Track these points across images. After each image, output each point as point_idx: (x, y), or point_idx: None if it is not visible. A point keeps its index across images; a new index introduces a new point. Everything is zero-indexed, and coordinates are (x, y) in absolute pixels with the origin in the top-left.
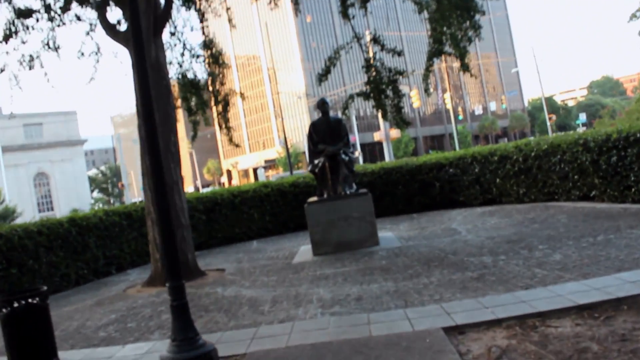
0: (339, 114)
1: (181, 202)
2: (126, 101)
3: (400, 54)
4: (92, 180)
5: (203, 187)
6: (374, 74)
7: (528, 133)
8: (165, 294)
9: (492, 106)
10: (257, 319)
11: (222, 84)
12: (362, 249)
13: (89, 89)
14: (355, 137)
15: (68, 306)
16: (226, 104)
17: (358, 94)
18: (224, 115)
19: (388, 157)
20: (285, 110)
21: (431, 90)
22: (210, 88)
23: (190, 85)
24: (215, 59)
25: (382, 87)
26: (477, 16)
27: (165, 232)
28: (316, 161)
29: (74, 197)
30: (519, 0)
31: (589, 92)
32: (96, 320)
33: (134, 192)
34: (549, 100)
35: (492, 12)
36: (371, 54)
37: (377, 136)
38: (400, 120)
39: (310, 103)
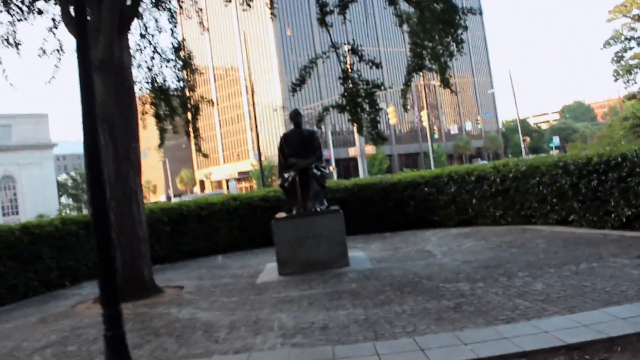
0: (314, 127)
1: (139, 214)
2: None
3: (378, 66)
4: (61, 186)
5: (175, 196)
6: (350, 85)
7: (501, 154)
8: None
9: (468, 126)
10: (211, 348)
11: (192, 90)
12: (331, 269)
13: (63, 92)
14: (330, 153)
15: (8, 322)
16: (196, 112)
17: (333, 107)
18: (193, 123)
19: (362, 174)
20: (261, 122)
21: (408, 107)
22: (180, 94)
23: (159, 91)
24: (186, 64)
25: (358, 100)
26: (459, 31)
27: (103, 252)
28: (286, 175)
29: (41, 202)
30: (495, 23)
31: (561, 116)
32: (34, 341)
33: None
34: (523, 123)
35: (470, 32)
36: (349, 65)
37: (352, 152)
38: (376, 136)
39: (286, 116)
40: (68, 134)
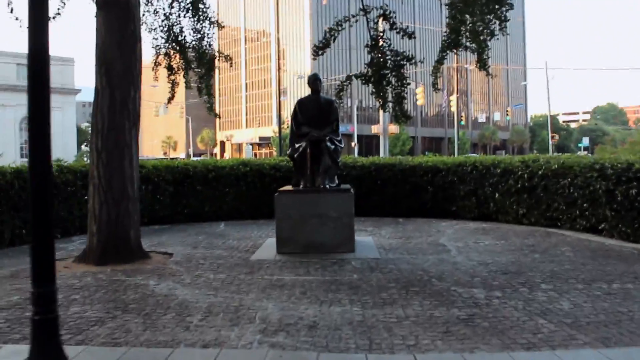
0: (334, 98)
1: (131, 170)
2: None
3: (411, 36)
4: (82, 133)
5: (195, 155)
6: (378, 55)
7: (527, 149)
8: (91, 277)
9: (497, 116)
10: (178, 335)
11: (209, 44)
12: (334, 254)
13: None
14: (354, 128)
15: None
16: (210, 68)
17: (357, 76)
18: (206, 79)
19: (383, 153)
20: (288, 89)
21: (439, 87)
22: (197, 47)
23: (174, 41)
24: (206, 16)
25: (385, 72)
26: (504, 8)
27: (39, 220)
28: (297, 145)
29: (60, 147)
30: (535, 11)
31: (592, 117)
32: None
33: None
34: (553, 120)
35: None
36: (379, 32)
37: (375, 129)
38: (400, 113)
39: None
40: (90, 81)
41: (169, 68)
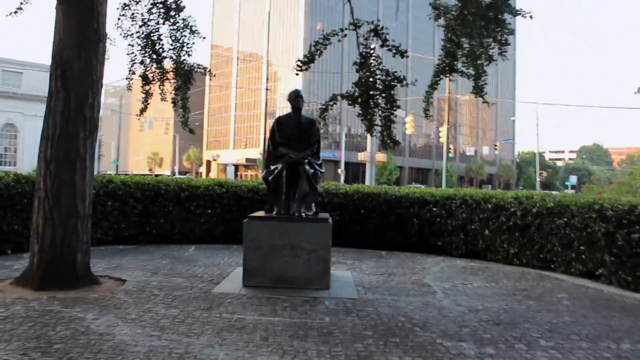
0: (318, 119)
1: (83, 185)
2: (121, 72)
3: (404, 54)
4: None
5: (180, 173)
6: (367, 74)
7: (513, 185)
8: (22, 305)
9: (485, 150)
10: None
11: (188, 54)
12: (306, 290)
13: None
14: (341, 154)
15: None
16: (187, 80)
17: (343, 96)
18: (183, 91)
19: (369, 181)
20: (278, 112)
21: (430, 115)
22: (176, 57)
23: (151, 49)
24: (187, 24)
25: (373, 93)
26: (505, 31)
27: None
28: (272, 167)
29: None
30: (524, 49)
31: (577, 156)
32: None
33: (107, 164)
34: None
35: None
36: (369, 49)
37: (362, 156)
38: (389, 138)
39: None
40: None
41: (144, 77)
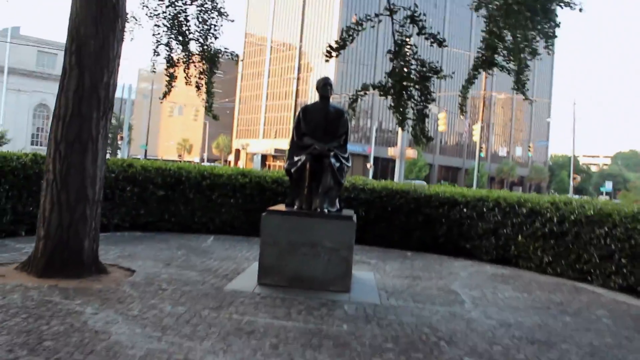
0: (346, 109)
1: (94, 168)
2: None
3: (442, 43)
4: None
5: (208, 161)
6: (401, 64)
7: (544, 188)
8: (20, 294)
9: (518, 151)
10: None
11: (215, 37)
12: (324, 292)
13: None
14: (371, 149)
15: None
16: (213, 63)
17: (374, 86)
18: (208, 75)
19: (397, 178)
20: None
21: (465, 110)
22: (202, 39)
23: (177, 30)
24: (215, 5)
25: (407, 84)
26: (551, 23)
27: None
28: (296, 158)
29: None
30: (563, 50)
31: (612, 162)
32: None
33: (137, 148)
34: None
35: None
36: (405, 37)
37: (392, 152)
38: (421, 133)
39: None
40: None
41: (168, 60)
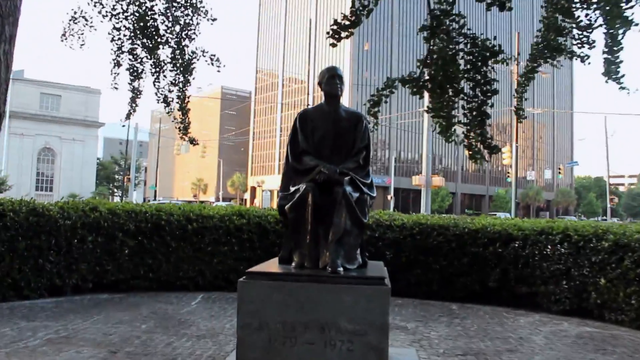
0: (366, 115)
1: None
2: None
3: (505, 4)
4: (102, 167)
5: (224, 200)
6: (442, 44)
7: (572, 212)
8: None
9: (547, 174)
10: None
11: (190, 38)
12: None
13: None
14: (391, 180)
15: None
16: (187, 70)
17: (404, 81)
18: (183, 85)
19: (424, 209)
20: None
21: (524, 113)
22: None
23: (142, 31)
24: (189, 0)
25: (451, 70)
26: None
27: None
28: (292, 189)
29: (77, 182)
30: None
31: (638, 180)
32: None
33: (147, 190)
34: (599, 182)
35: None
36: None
37: (417, 180)
38: (481, 143)
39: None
40: (114, 116)
41: (132, 71)
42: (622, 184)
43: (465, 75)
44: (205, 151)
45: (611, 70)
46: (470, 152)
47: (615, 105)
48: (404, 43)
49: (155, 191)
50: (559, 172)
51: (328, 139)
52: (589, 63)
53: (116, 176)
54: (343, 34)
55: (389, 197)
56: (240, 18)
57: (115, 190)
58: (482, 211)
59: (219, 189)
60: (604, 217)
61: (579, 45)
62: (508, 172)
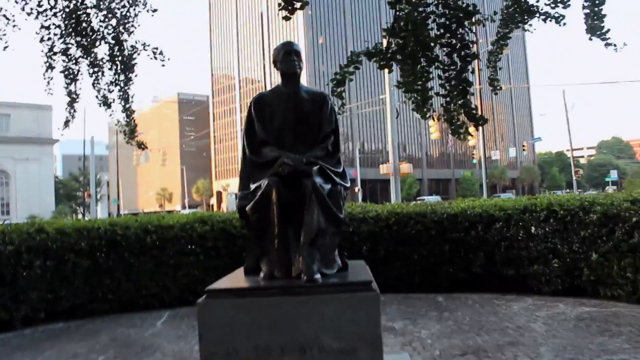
0: (329, 95)
1: None
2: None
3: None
4: (61, 185)
5: (190, 207)
6: (409, 6)
7: (537, 187)
8: None
9: (512, 152)
10: None
11: (128, 31)
12: None
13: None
14: (357, 172)
15: None
16: (127, 66)
17: (370, 54)
18: (124, 83)
19: (394, 198)
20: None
21: (498, 85)
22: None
23: (74, 25)
24: None
25: (426, 39)
26: None
27: None
28: (253, 186)
29: (35, 203)
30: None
31: (597, 151)
32: None
33: (111, 204)
34: (560, 156)
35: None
36: None
37: (384, 169)
38: (466, 114)
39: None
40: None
41: (67, 73)
42: (582, 156)
43: (439, 41)
44: (166, 158)
45: (594, 25)
46: (452, 127)
47: (572, 78)
48: (358, 35)
49: (119, 205)
50: (523, 149)
51: (289, 125)
52: (564, 24)
53: (77, 193)
54: (297, 4)
55: (356, 190)
56: (191, 20)
57: (78, 207)
58: (449, 195)
59: (184, 197)
60: (568, 190)
61: (552, 5)
62: (473, 154)
